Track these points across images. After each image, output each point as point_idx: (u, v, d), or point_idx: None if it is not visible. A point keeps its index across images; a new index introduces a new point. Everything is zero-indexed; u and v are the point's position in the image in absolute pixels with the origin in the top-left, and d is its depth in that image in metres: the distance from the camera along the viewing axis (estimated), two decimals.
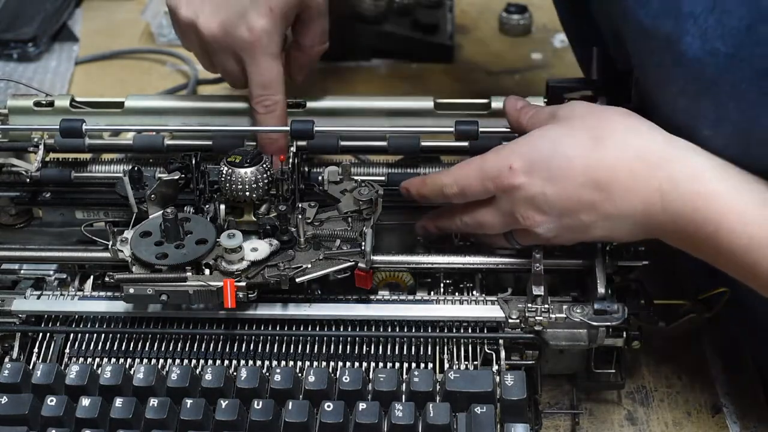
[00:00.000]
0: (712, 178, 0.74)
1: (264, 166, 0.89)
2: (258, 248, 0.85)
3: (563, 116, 0.82)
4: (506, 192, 0.80)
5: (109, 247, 0.86)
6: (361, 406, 0.80)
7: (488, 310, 0.87)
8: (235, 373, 0.83)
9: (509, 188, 0.80)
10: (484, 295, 0.89)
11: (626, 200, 0.76)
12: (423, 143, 0.97)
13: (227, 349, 0.86)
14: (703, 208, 0.73)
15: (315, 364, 0.85)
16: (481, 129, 0.94)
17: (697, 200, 0.74)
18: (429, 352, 0.86)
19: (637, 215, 0.77)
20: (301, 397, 0.82)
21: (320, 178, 0.94)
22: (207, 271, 0.84)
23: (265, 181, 0.89)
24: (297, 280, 0.84)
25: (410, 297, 0.90)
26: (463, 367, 0.85)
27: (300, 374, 0.84)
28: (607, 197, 0.77)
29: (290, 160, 0.93)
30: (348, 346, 0.87)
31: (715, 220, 0.73)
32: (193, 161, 0.92)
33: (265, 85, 0.94)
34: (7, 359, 0.87)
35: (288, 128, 0.94)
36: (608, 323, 0.85)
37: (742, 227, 0.72)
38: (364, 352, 0.86)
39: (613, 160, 0.77)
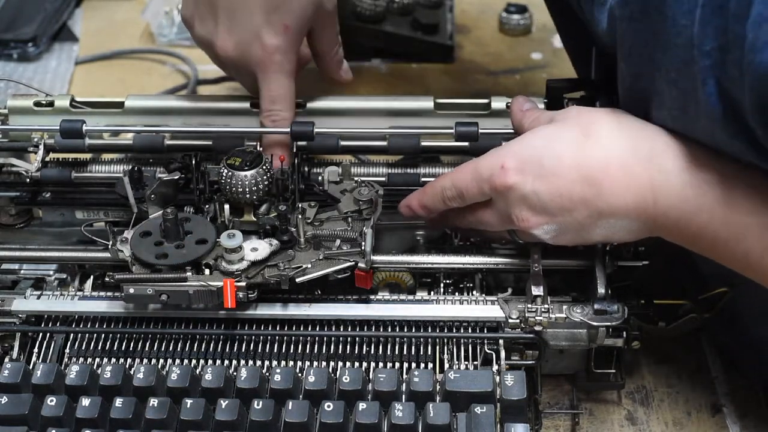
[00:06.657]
0: (702, 168, 0.73)
1: (264, 167, 0.89)
2: (258, 248, 0.85)
3: (559, 119, 0.82)
4: (500, 193, 0.80)
5: (109, 247, 0.86)
6: (361, 406, 0.80)
7: (488, 310, 0.87)
8: (235, 373, 0.83)
9: (503, 188, 0.79)
10: (484, 295, 0.89)
11: (617, 195, 0.76)
12: (423, 143, 0.97)
13: (227, 349, 0.86)
14: (694, 199, 0.73)
15: (315, 364, 0.85)
16: (481, 129, 0.94)
17: (688, 191, 0.73)
18: (429, 352, 0.86)
19: (630, 210, 0.76)
20: (301, 397, 0.82)
21: (320, 178, 0.94)
22: (207, 271, 0.84)
23: (265, 183, 0.89)
24: (297, 280, 0.84)
25: (410, 297, 0.90)
26: (463, 367, 0.85)
27: (300, 374, 0.84)
28: (598, 193, 0.76)
29: (290, 160, 0.93)
30: (348, 346, 0.87)
31: (708, 210, 0.72)
32: (193, 161, 0.92)
33: (275, 100, 0.94)
34: (7, 359, 0.87)
35: (288, 129, 0.94)
36: (608, 323, 0.85)
37: (733, 216, 0.71)
38: (364, 352, 0.86)
39: (603, 155, 0.76)
